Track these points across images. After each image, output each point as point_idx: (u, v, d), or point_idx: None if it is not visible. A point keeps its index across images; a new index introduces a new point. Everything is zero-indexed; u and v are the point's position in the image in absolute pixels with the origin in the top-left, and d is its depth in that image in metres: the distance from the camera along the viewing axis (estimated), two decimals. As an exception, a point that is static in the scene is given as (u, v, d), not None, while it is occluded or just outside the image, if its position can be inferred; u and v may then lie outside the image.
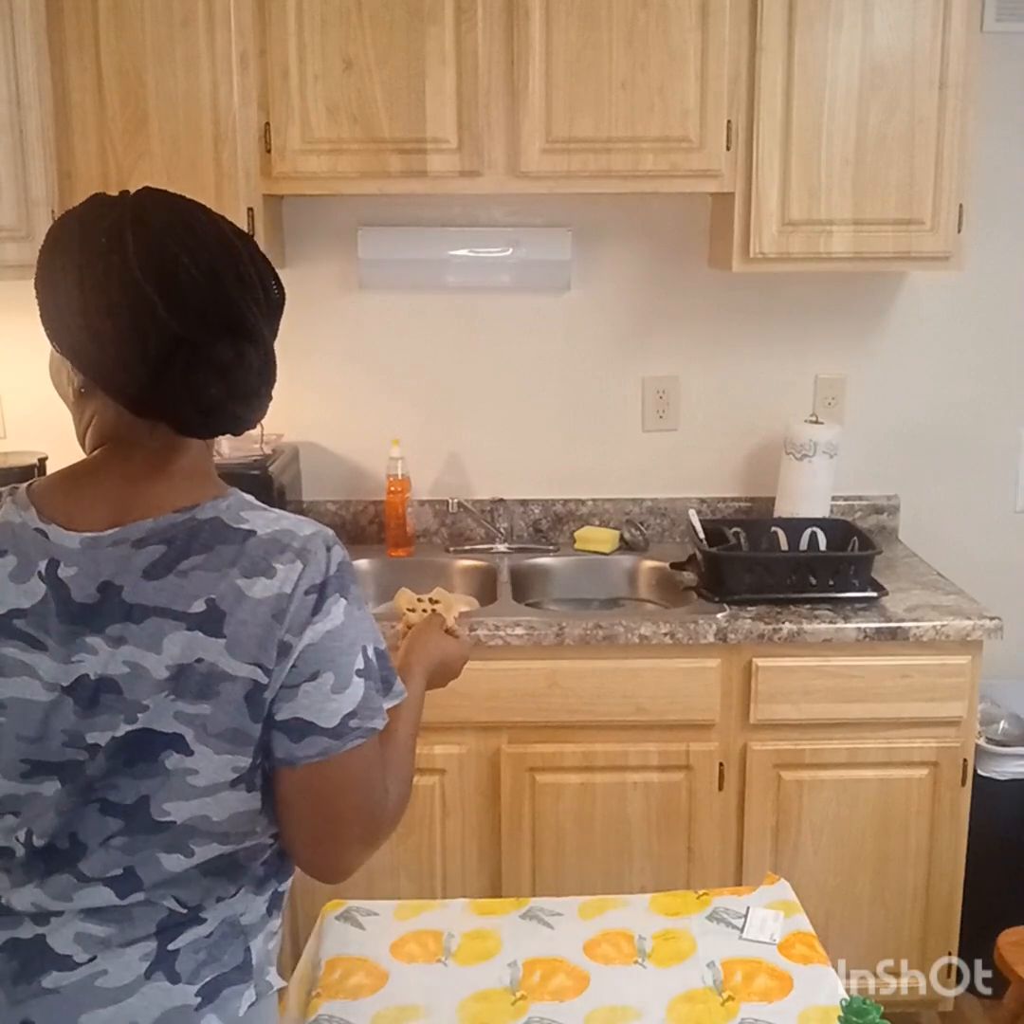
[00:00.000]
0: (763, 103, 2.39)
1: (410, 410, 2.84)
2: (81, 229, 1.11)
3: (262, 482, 2.48)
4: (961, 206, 2.44)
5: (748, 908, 1.82)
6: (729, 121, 2.40)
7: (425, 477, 2.87)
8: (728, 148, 2.41)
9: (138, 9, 2.30)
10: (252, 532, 1.12)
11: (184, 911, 1.16)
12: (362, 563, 2.76)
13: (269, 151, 2.39)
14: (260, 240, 2.40)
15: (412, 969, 1.71)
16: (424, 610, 1.55)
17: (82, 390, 1.16)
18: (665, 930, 1.77)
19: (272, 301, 1.15)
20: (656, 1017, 1.58)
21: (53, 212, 2.33)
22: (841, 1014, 1.39)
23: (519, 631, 2.32)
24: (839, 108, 2.39)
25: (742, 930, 1.77)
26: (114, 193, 1.15)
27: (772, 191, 2.42)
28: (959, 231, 2.45)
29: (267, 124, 2.38)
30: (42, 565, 1.11)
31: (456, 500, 2.82)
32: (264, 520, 1.14)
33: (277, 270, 1.18)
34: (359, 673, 1.13)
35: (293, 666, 1.10)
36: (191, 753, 1.09)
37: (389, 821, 1.21)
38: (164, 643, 1.08)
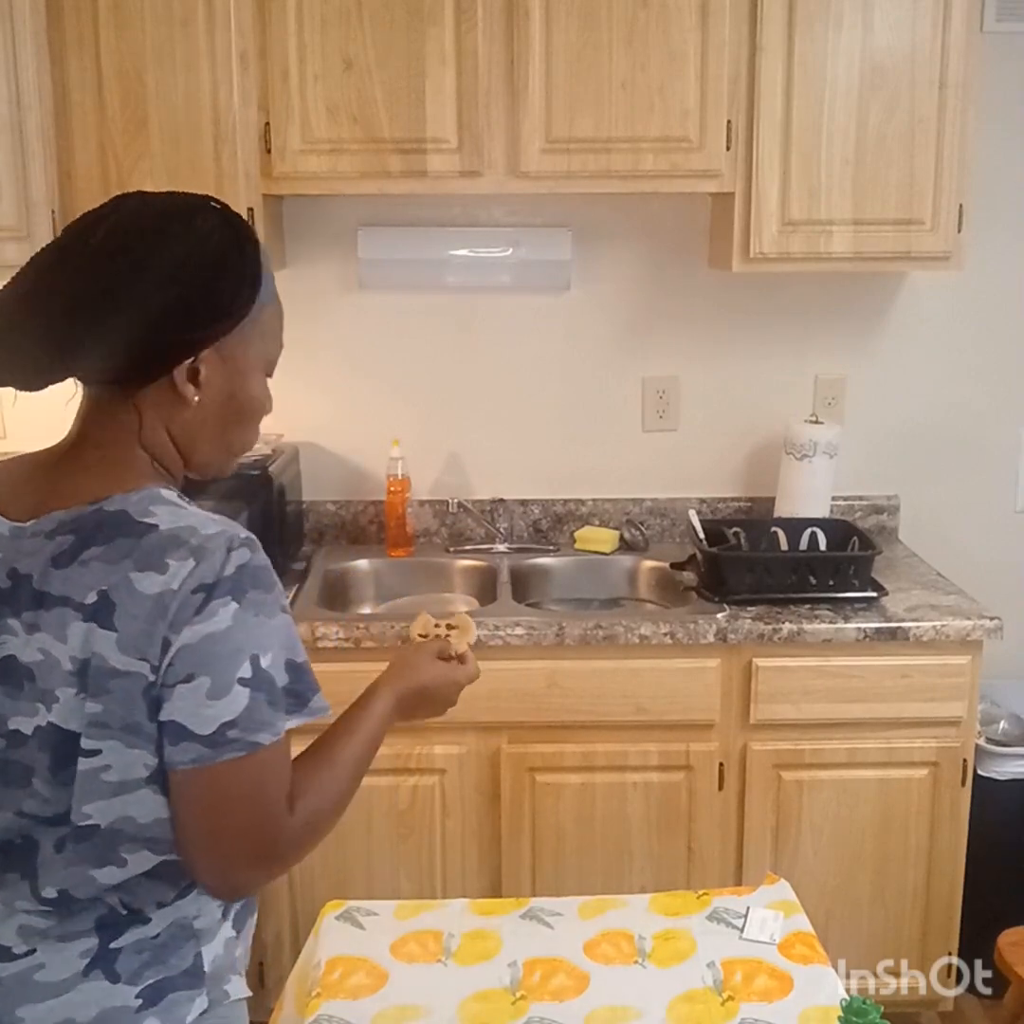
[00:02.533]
0: (763, 103, 2.39)
1: (410, 410, 2.84)
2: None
3: (262, 482, 2.48)
4: (961, 206, 2.44)
5: (748, 908, 1.82)
6: (729, 121, 2.40)
7: (425, 477, 2.87)
8: (728, 148, 2.41)
9: (138, 9, 2.30)
10: (154, 526, 1.12)
11: (125, 912, 1.16)
12: (362, 563, 2.76)
13: (269, 151, 2.38)
14: (260, 240, 2.39)
15: (412, 969, 1.71)
16: (436, 635, 1.45)
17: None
18: (665, 930, 1.77)
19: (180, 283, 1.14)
20: (656, 1017, 1.58)
21: (53, 212, 2.34)
22: (841, 1014, 1.39)
23: (519, 631, 2.32)
24: (839, 108, 2.39)
25: (742, 930, 1.77)
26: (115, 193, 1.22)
27: (772, 191, 2.42)
28: (959, 231, 2.45)
29: (267, 124, 2.38)
30: None
31: (456, 500, 2.82)
32: (171, 515, 1.13)
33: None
34: (243, 682, 1.09)
35: (170, 664, 1.09)
36: (99, 751, 1.10)
37: (290, 844, 1.16)
38: (67, 633, 1.09)
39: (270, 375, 1.26)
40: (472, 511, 2.84)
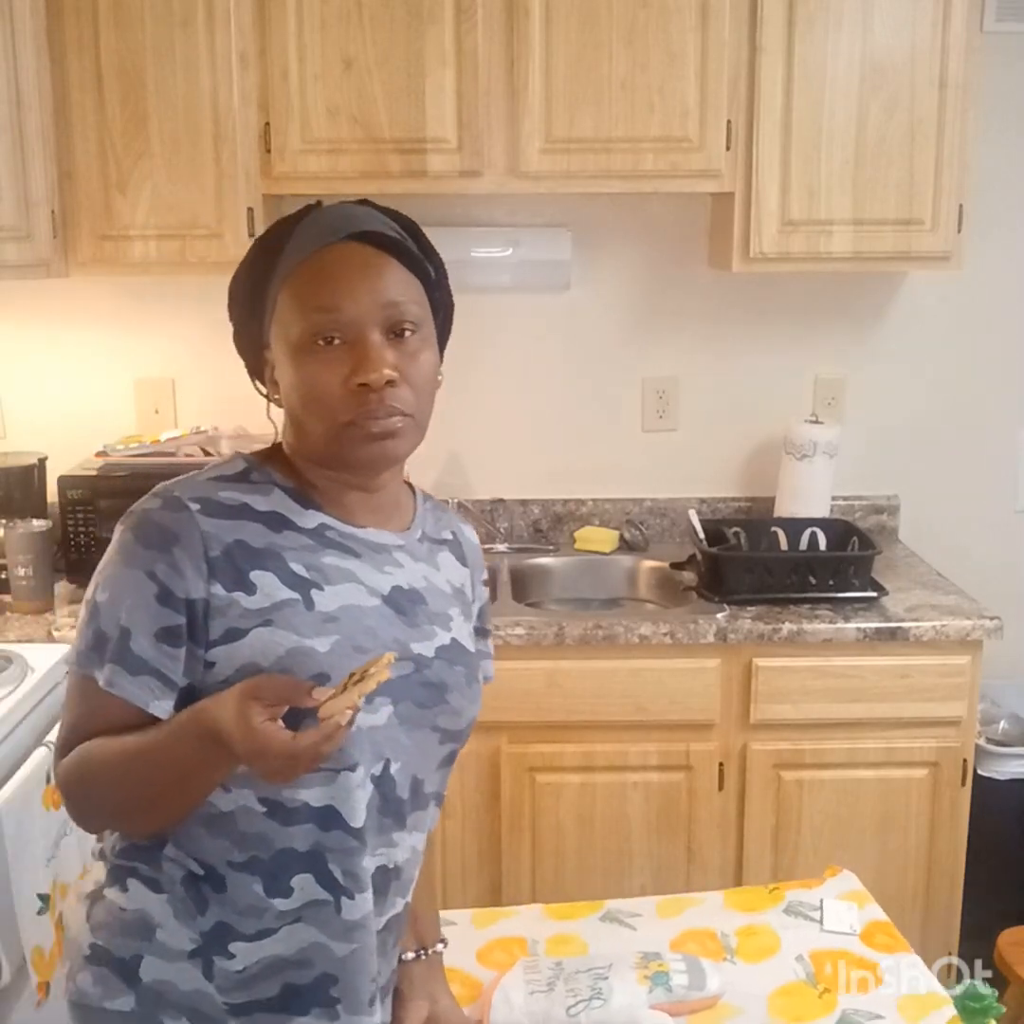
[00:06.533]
0: (763, 103, 2.39)
1: (410, 410, 2.83)
2: None
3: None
4: (961, 206, 2.44)
5: (822, 900, 1.80)
6: (729, 121, 2.40)
7: (425, 477, 2.86)
8: (728, 148, 2.41)
9: (138, 9, 2.30)
10: None
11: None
12: (362, 563, 2.75)
13: (269, 151, 2.38)
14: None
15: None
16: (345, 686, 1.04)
17: None
18: (747, 926, 1.74)
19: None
20: (757, 1012, 1.54)
21: (53, 212, 2.33)
22: (957, 999, 1.37)
23: (519, 631, 2.32)
24: (839, 108, 2.39)
25: (822, 922, 1.75)
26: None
27: (772, 191, 2.42)
28: (959, 231, 2.45)
29: (267, 124, 2.38)
30: None
31: (456, 500, 2.82)
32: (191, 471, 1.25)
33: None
34: (85, 602, 1.14)
35: None
36: None
37: (58, 783, 1.16)
38: None
39: (305, 347, 1.17)
40: (472, 511, 2.84)
